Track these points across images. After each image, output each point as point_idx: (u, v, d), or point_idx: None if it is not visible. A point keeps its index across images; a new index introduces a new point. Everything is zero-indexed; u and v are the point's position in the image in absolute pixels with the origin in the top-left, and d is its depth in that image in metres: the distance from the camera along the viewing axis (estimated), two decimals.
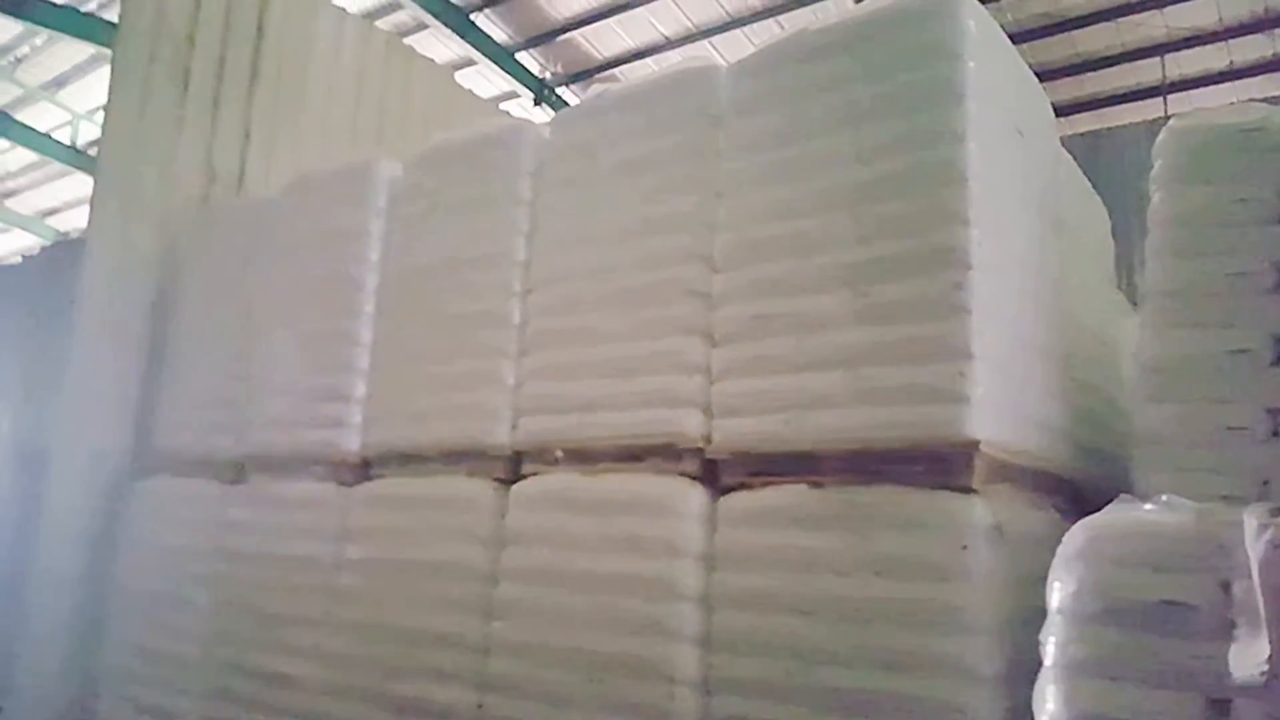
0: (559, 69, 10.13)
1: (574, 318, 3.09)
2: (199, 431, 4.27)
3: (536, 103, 10.08)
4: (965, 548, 2.19)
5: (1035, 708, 1.83)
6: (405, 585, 3.24)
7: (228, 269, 4.42)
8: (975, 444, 2.26)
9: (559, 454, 3.01)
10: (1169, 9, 7.61)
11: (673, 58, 9.14)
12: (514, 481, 3.12)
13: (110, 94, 5.12)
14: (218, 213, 4.88)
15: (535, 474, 3.08)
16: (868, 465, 2.42)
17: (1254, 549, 1.60)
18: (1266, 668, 1.55)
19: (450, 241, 3.49)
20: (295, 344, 3.92)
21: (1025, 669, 1.97)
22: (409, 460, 3.43)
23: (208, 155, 5.24)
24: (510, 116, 7.28)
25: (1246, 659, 1.58)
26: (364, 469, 3.61)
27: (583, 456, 2.96)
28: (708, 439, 2.73)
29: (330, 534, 3.54)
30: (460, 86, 7.55)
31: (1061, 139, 3.31)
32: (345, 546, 3.50)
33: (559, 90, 10.28)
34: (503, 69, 9.65)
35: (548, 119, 3.59)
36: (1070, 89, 8.68)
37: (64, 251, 5.51)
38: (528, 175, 3.36)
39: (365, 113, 6.26)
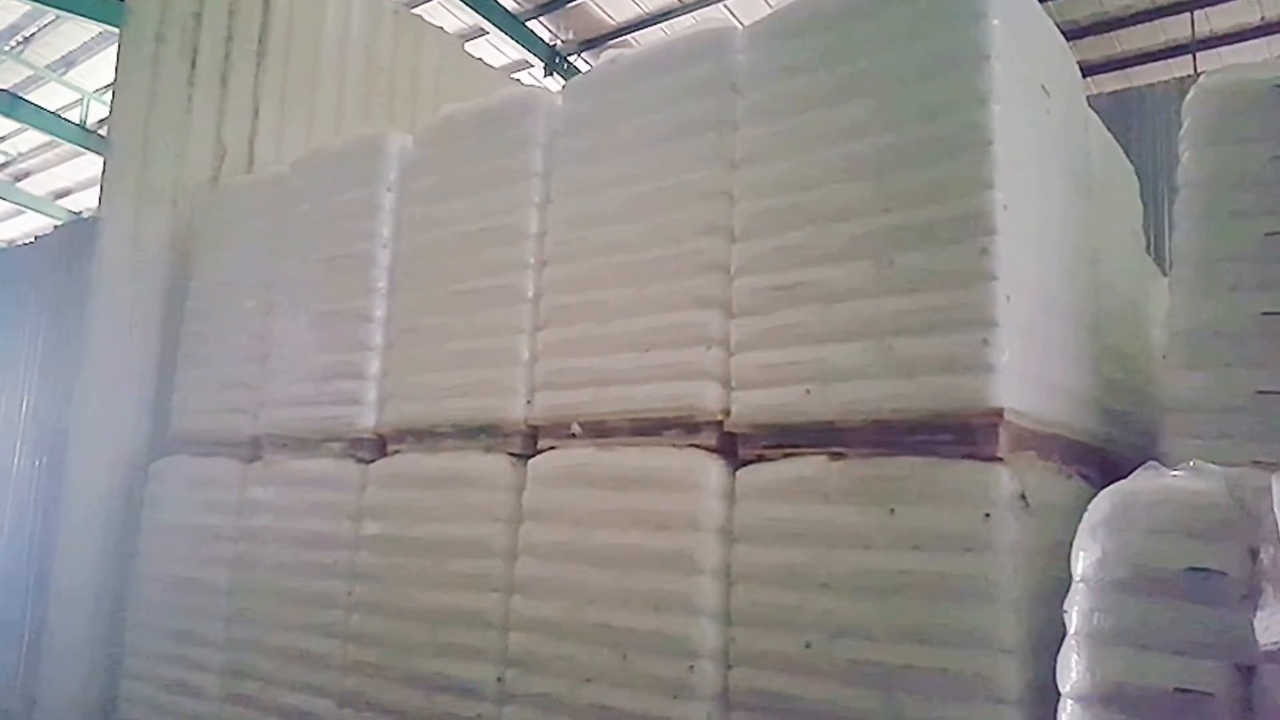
0: (571, 36, 10.07)
1: (590, 291, 3.10)
2: (216, 411, 4.32)
3: (548, 72, 10.04)
4: (989, 517, 2.20)
5: (1059, 677, 1.83)
6: (423, 561, 3.28)
7: (240, 247, 4.45)
8: (1000, 413, 2.26)
9: (576, 428, 3.03)
10: None
11: (687, 22, 9.06)
12: (531, 457, 3.14)
13: (118, 73, 5.15)
14: (229, 191, 4.90)
15: (552, 449, 3.10)
16: (890, 436, 2.43)
17: None
18: None
19: (463, 215, 3.50)
20: (309, 321, 3.95)
21: (1049, 639, 1.97)
22: (425, 436, 3.46)
23: (218, 133, 5.27)
24: (521, 86, 7.27)
25: (1273, 625, 1.58)
26: (380, 446, 3.65)
27: (600, 431, 2.98)
28: (726, 411, 2.74)
29: (348, 511, 3.59)
30: (471, 56, 7.52)
31: (1089, 99, 3.27)
32: (363, 524, 3.54)
33: (571, 58, 10.22)
34: (513, 37, 9.61)
35: (560, 88, 3.58)
36: (1098, 47, 8.54)
37: (77, 231, 5.55)
38: (540, 147, 3.36)
39: (376, 86, 6.26)
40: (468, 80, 6.93)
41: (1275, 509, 1.62)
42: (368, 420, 3.66)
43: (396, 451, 3.57)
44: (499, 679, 3.01)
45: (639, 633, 2.70)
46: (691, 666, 2.59)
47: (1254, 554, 1.67)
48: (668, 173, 2.97)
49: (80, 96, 12.12)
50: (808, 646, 2.42)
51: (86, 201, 14.59)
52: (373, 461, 3.62)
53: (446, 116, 3.73)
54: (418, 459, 3.47)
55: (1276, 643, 1.58)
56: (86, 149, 12.38)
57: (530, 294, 3.27)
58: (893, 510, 2.36)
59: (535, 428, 3.17)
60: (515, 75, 9.78)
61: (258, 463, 4.06)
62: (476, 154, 3.52)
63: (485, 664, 3.05)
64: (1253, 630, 1.61)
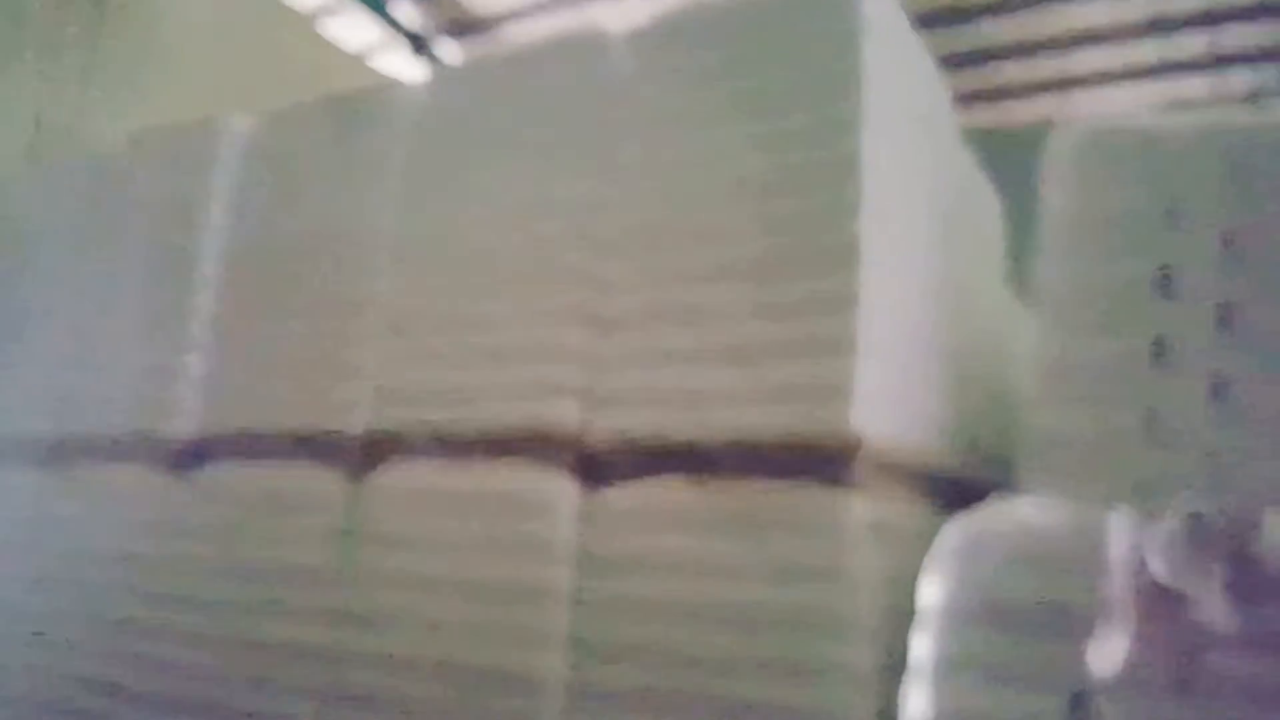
0: (438, 21, 9.98)
1: (444, 300, 3.10)
2: (24, 414, 4.10)
3: (413, 56, 9.89)
4: (844, 546, 2.31)
5: (899, 708, 1.95)
6: (244, 587, 3.19)
7: (61, 233, 4.26)
8: (859, 440, 2.39)
9: (421, 445, 3.00)
10: (1072, 5, 8.02)
11: (567, 18, 9.11)
12: (370, 474, 3.10)
13: None
14: (52, 171, 4.69)
15: (394, 466, 3.06)
16: (751, 461, 2.51)
17: (1118, 549, 1.76)
18: (1124, 663, 1.70)
19: (309, 210, 3.44)
20: (129, 318, 3.81)
21: (899, 669, 2.08)
22: (251, 449, 3.36)
23: (45, 106, 5.02)
24: (382, 74, 7.17)
25: (1107, 657, 1.73)
26: (199, 457, 3.52)
27: (448, 448, 2.96)
28: (587, 431, 2.78)
29: (160, 528, 3.46)
30: (330, 37, 7.39)
31: (962, 131, 3.48)
32: (179, 543, 3.41)
33: (439, 45, 10.11)
34: (376, 16, 9.44)
35: (426, 74, 3.57)
36: (975, 79, 9.04)
37: None
38: (398, 143, 3.33)
39: (223, 63, 6.07)
40: (326, 61, 6.81)
41: (1112, 545, 1.78)
42: (186, 428, 3.53)
43: (218, 464, 3.45)
44: (328, 716, 2.93)
45: (483, 667, 2.69)
46: (539, 705, 2.59)
47: (1094, 587, 1.82)
48: (538, 179, 3.00)
49: None
50: (663, 681, 2.47)
51: None
52: (190, 474, 3.49)
53: (296, 103, 3.68)
54: (241, 472, 3.36)
55: (1110, 673, 1.73)
56: None
57: (378, 299, 3.23)
58: (752, 538, 2.44)
59: (376, 442, 3.12)
60: (378, 58, 9.61)
61: (62, 472, 3.87)
62: (327, 144, 3.47)
63: (311, 701, 2.97)
64: (1089, 661, 1.76)
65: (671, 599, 2.52)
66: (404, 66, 9.78)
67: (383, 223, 3.29)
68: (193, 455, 3.52)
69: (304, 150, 3.54)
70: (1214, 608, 1.71)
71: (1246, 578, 1.71)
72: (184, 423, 3.54)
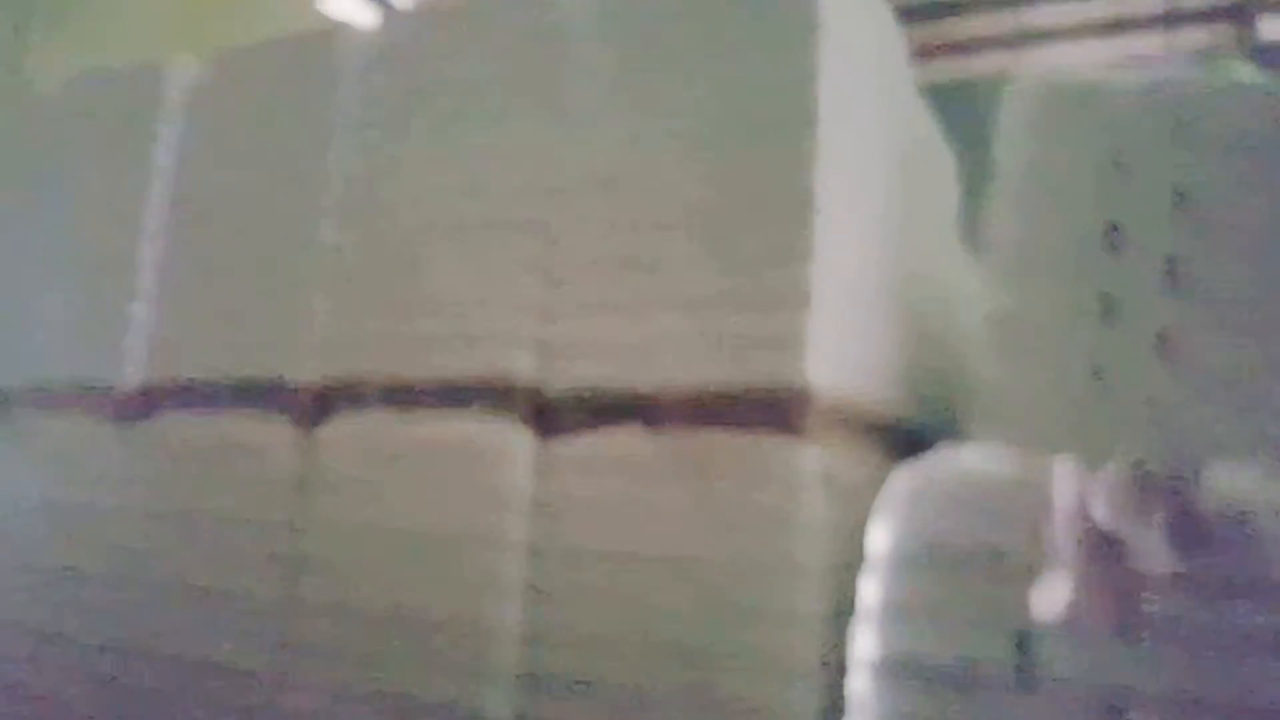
0: None
1: (397, 247, 3.07)
2: None
3: None
4: (796, 494, 2.36)
5: (848, 650, 2.00)
6: (196, 538, 3.16)
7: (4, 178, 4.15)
8: (811, 391, 2.42)
9: (374, 395, 3.00)
10: None
11: None
12: (321, 424, 3.08)
13: None
14: None
15: (346, 416, 3.05)
16: (705, 412, 2.54)
17: (1061, 497, 1.81)
18: (1066, 610, 1.76)
19: (256, 154, 3.39)
20: (73, 267, 3.73)
21: (848, 613, 2.13)
22: (199, 398, 3.32)
23: None
24: (331, 18, 7.02)
25: (1048, 601, 1.79)
26: (147, 406, 3.47)
27: (401, 399, 2.96)
28: (542, 382, 2.80)
29: (110, 478, 3.41)
30: None
31: (919, 84, 3.49)
32: (127, 491, 3.37)
33: None
34: None
35: (376, 19, 3.51)
36: (932, 32, 9.06)
37: None
38: (346, 87, 3.27)
39: (167, 4, 5.89)
40: (274, 4, 6.64)
41: (1055, 491, 1.83)
42: (133, 377, 3.48)
43: (167, 413, 3.40)
44: (273, 664, 2.95)
45: (437, 615, 2.71)
46: (492, 649, 2.63)
47: (1037, 532, 1.87)
48: (491, 124, 2.98)
49: None
50: (615, 627, 2.52)
51: None
52: (139, 423, 3.45)
53: (243, 46, 3.59)
54: (189, 422, 3.33)
55: (1051, 615, 1.79)
56: None
57: (328, 247, 3.20)
58: (705, 486, 2.48)
59: (328, 392, 3.11)
60: (326, 2, 9.39)
61: (5, 423, 3.81)
62: (275, 88, 3.41)
63: (262, 650, 2.98)
64: (1030, 603, 1.81)
65: (625, 546, 2.56)
66: (354, 10, 9.57)
67: (332, 169, 3.25)
68: (139, 405, 3.47)
69: (251, 94, 3.47)
70: (1153, 554, 1.76)
71: (1184, 525, 1.76)
72: (130, 372, 3.49)
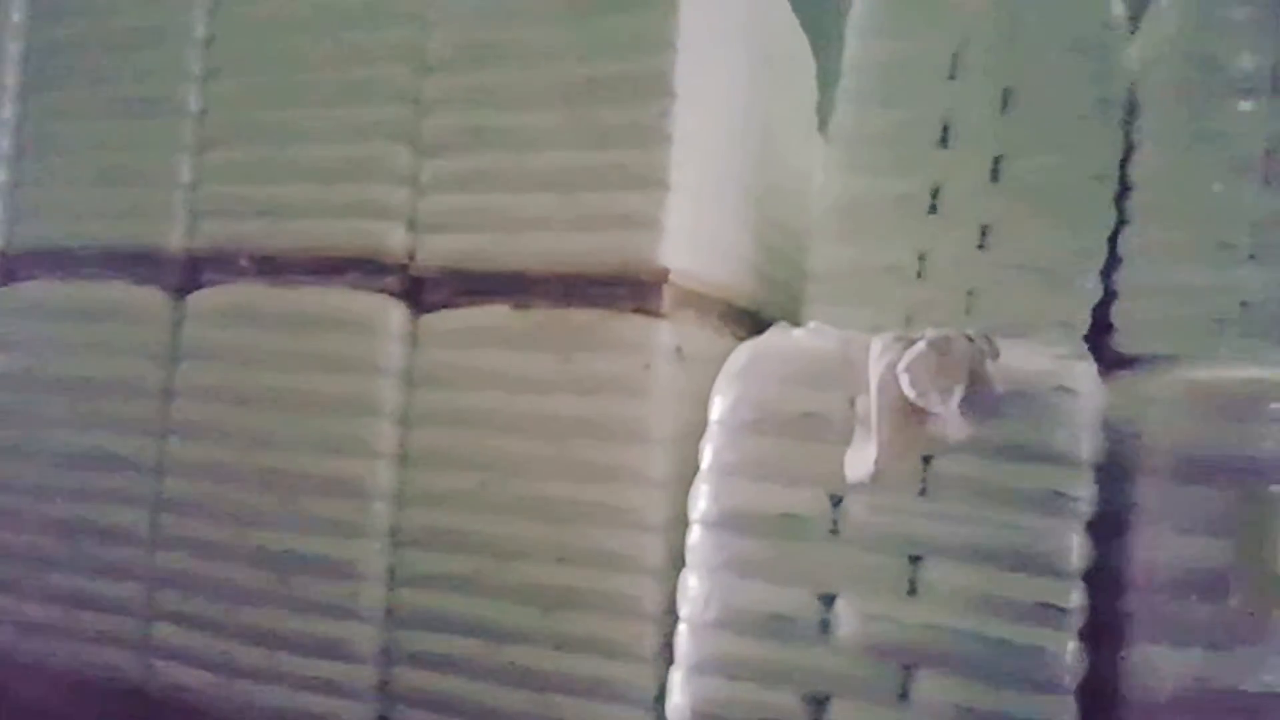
0: None
1: (265, 111, 3.08)
2: None
3: None
4: (649, 367, 2.57)
5: (689, 506, 2.24)
6: (65, 402, 3.21)
7: None
8: (666, 272, 2.61)
9: (245, 263, 3.05)
10: None
11: None
12: (191, 291, 3.13)
13: None
14: None
15: (216, 284, 3.10)
16: (572, 288, 2.71)
17: (874, 369, 2.04)
18: (873, 469, 2.01)
19: (115, 7, 3.29)
20: None
21: (692, 475, 2.36)
22: (65, 263, 3.30)
23: None
24: None
25: (858, 462, 2.04)
26: (9, 271, 3.44)
27: (273, 268, 3.02)
28: (412, 254, 2.90)
29: None
30: None
31: None
32: None
33: None
34: None
35: None
36: None
37: None
38: None
39: None
40: None
41: (870, 365, 2.06)
42: None
43: (31, 279, 3.37)
44: (151, 524, 3.07)
45: (311, 475, 2.87)
46: (365, 507, 2.81)
47: (852, 402, 2.11)
48: None
49: None
50: (482, 485, 2.72)
51: None
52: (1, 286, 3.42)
53: None
54: (56, 289, 3.31)
55: (859, 476, 2.04)
56: None
57: (193, 107, 3.18)
58: (566, 357, 2.66)
59: (197, 259, 3.15)
60: None
61: None
62: None
63: (138, 509, 3.09)
64: (844, 465, 2.06)
65: (491, 410, 2.75)
66: None
67: (195, 23, 3.19)
68: (2, 270, 3.44)
69: None
70: (950, 421, 2.01)
71: (978, 395, 2.01)
72: None
